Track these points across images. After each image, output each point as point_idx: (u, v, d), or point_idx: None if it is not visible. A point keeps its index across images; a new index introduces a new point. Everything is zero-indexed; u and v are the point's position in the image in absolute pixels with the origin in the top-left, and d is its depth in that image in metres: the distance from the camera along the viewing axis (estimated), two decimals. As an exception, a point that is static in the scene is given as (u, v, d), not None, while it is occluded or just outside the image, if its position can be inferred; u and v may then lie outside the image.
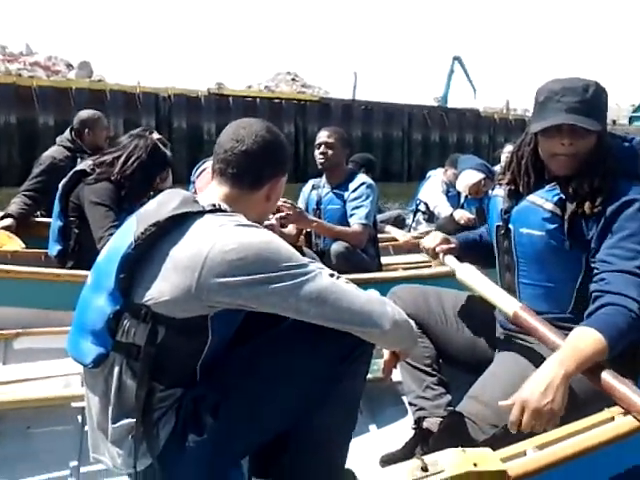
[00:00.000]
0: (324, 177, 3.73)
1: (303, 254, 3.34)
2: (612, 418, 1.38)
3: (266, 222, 3.15)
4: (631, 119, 25.76)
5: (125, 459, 1.38)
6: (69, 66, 22.26)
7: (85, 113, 4.40)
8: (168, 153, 3.30)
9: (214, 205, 1.41)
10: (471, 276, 1.93)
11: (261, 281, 1.30)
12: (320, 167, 3.63)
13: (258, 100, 18.95)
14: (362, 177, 3.68)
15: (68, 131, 4.38)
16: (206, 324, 1.36)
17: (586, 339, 1.48)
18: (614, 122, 25.20)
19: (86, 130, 4.26)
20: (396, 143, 21.35)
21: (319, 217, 3.65)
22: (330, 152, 3.54)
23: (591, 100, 1.70)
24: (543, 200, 1.78)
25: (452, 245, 2.13)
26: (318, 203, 3.72)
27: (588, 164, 1.72)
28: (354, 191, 3.57)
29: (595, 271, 1.66)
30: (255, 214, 1.51)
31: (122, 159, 3.07)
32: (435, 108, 24.47)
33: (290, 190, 3.84)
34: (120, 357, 1.36)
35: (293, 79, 26.90)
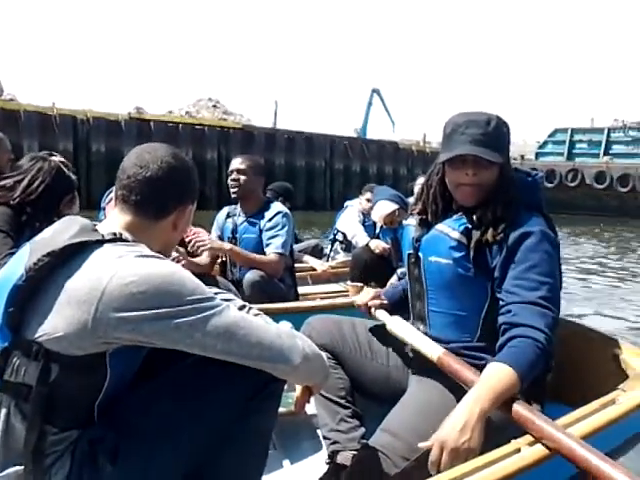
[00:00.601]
0: (239, 205, 3.68)
1: (217, 283, 3.30)
2: (518, 450, 1.39)
3: (173, 254, 3.07)
4: (537, 155, 27.26)
5: None
6: None
7: None
8: (73, 177, 3.15)
9: (115, 234, 1.33)
10: (399, 327, 1.99)
11: (164, 316, 1.24)
12: (234, 195, 3.58)
13: (180, 126, 18.81)
14: (278, 206, 3.65)
15: None
16: (104, 361, 1.27)
17: (499, 375, 1.51)
18: (522, 157, 26.51)
19: None
20: (318, 172, 21.69)
21: (235, 245, 3.58)
22: (243, 178, 3.51)
23: (493, 132, 1.77)
24: (450, 229, 1.82)
25: (383, 300, 2.21)
26: (234, 232, 3.65)
27: (491, 194, 1.79)
28: (270, 220, 3.54)
29: (501, 302, 1.70)
30: (160, 244, 1.44)
31: (24, 183, 2.89)
32: (356, 139, 25.10)
33: (211, 217, 3.77)
34: (8, 398, 1.25)
35: (214, 105, 26.85)
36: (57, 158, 3.06)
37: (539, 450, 1.38)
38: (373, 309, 2.18)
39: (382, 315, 2.12)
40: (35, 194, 2.87)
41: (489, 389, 1.48)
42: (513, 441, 1.43)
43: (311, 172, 21.42)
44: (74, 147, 16.53)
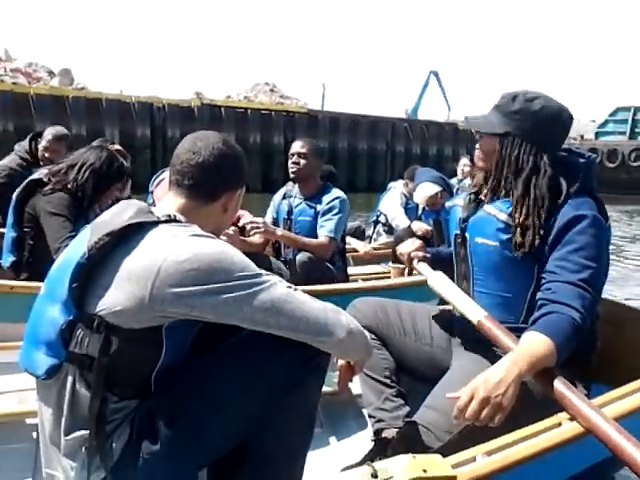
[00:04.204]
0: (296, 187, 3.75)
1: (270, 263, 3.40)
2: (559, 424, 1.41)
3: (228, 232, 3.18)
4: (597, 134, 26.31)
5: (78, 472, 1.36)
6: (50, 73, 21.96)
7: (56, 130, 4.33)
8: (126, 164, 3.29)
9: (169, 216, 1.41)
10: (441, 283, 1.97)
11: (215, 291, 1.31)
12: (292, 177, 3.66)
13: (249, 111, 19.06)
14: (337, 191, 3.71)
15: (27, 141, 4.32)
16: (161, 335, 1.35)
17: (537, 343, 1.53)
18: (582, 137, 25.68)
19: (48, 145, 4.21)
20: (380, 155, 21.70)
21: (289, 227, 3.67)
22: (303, 162, 3.57)
23: (509, 105, 1.82)
24: (497, 210, 1.82)
25: (427, 254, 2.18)
26: (289, 213, 3.72)
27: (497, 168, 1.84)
28: (327, 204, 3.60)
29: (543, 280, 1.71)
30: (211, 226, 1.51)
31: (76, 168, 3.05)
32: (416, 121, 24.69)
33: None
34: (73, 368, 1.34)
35: (272, 90, 26.94)
36: (114, 146, 3.21)
37: (579, 427, 1.40)
38: (415, 260, 2.15)
39: (424, 268, 2.09)
40: (83, 177, 3.02)
41: (527, 354, 1.50)
42: (556, 415, 1.44)
43: (373, 155, 21.45)
44: (151, 133, 17.03)
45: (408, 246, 2.19)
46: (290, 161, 3.63)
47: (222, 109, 18.52)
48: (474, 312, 1.78)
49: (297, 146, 3.63)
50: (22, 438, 1.99)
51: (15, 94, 15.30)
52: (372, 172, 20.92)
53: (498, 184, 1.86)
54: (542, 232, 1.72)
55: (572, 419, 1.42)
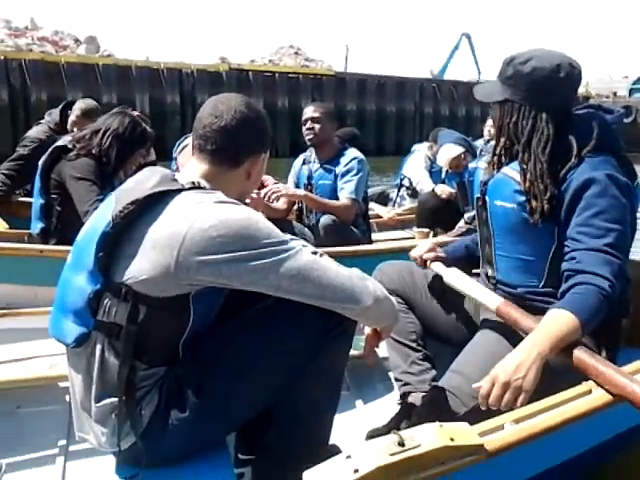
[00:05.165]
0: (313, 152, 3.72)
1: (293, 228, 3.40)
2: (589, 391, 1.39)
3: (253, 196, 3.18)
4: (631, 91, 25.55)
5: (109, 438, 1.39)
6: (77, 41, 22.17)
7: (85, 104, 4.30)
8: (148, 129, 3.28)
9: (193, 183, 1.40)
10: (457, 279, 1.98)
11: (241, 258, 1.30)
12: (309, 143, 3.63)
13: (277, 75, 19.00)
14: (353, 152, 3.67)
15: (58, 112, 4.31)
16: (187, 303, 1.36)
17: (559, 321, 1.49)
18: (614, 94, 25.04)
19: (77, 120, 4.19)
20: (408, 117, 21.44)
21: (310, 192, 3.65)
22: (317, 127, 3.54)
23: (516, 72, 1.77)
24: (515, 172, 1.78)
25: (440, 254, 2.17)
26: (309, 178, 3.72)
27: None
28: (345, 165, 3.58)
29: (566, 249, 1.66)
30: (235, 192, 1.50)
31: (100, 133, 3.06)
32: (444, 82, 24.13)
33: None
34: (102, 336, 1.36)
35: (296, 53, 26.69)
36: (135, 112, 3.22)
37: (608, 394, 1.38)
38: (429, 262, 2.14)
39: (438, 267, 2.09)
40: (107, 142, 3.03)
41: (548, 333, 1.47)
42: (584, 383, 1.43)
43: (401, 117, 21.24)
44: (180, 99, 17.10)
45: (420, 250, 2.19)
46: (304, 127, 3.59)
47: (250, 73, 18.53)
48: (491, 300, 1.78)
49: (309, 111, 3.58)
50: (56, 401, 2.04)
51: (46, 63, 15.41)
52: (400, 135, 20.72)
53: (502, 151, 1.84)
54: (551, 196, 1.67)
55: (601, 387, 1.40)
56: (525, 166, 1.73)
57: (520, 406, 1.39)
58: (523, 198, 1.73)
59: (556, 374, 1.49)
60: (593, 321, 1.52)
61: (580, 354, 1.46)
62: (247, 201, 1.66)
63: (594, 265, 1.56)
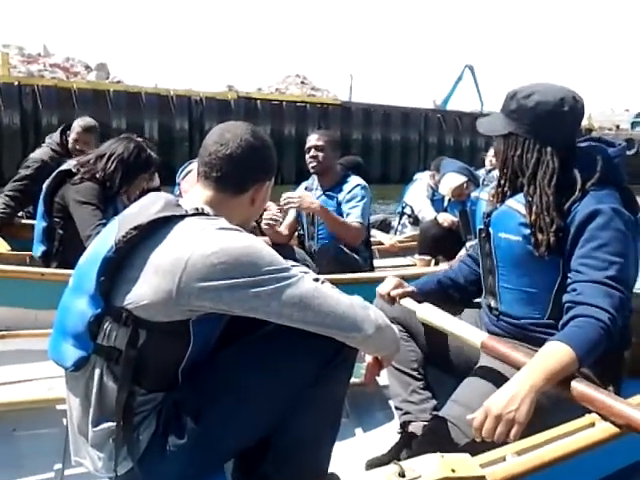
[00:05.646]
0: (316, 179, 3.72)
1: (294, 253, 3.39)
2: (592, 424, 1.38)
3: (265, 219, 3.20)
4: (633, 124, 25.75)
5: (106, 463, 1.38)
6: (87, 67, 22.62)
7: (84, 121, 4.36)
8: (153, 154, 3.31)
9: (197, 209, 1.41)
10: (431, 314, 1.91)
11: (242, 285, 1.30)
12: (312, 171, 3.63)
13: (284, 104, 19.23)
14: (356, 179, 3.67)
15: (58, 133, 4.36)
16: (188, 328, 1.35)
17: (556, 354, 1.47)
18: (617, 127, 25.29)
19: (78, 137, 4.23)
20: (412, 146, 21.69)
21: (312, 220, 3.65)
22: (321, 155, 3.54)
23: (515, 104, 1.79)
24: (520, 205, 1.78)
25: (408, 288, 2.11)
26: None
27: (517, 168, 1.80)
28: (349, 192, 3.58)
29: (568, 280, 1.66)
30: (239, 218, 1.50)
31: (104, 158, 3.09)
32: (449, 112, 24.43)
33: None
34: (101, 360, 1.35)
35: (302, 82, 27.05)
36: (140, 139, 3.25)
37: (614, 426, 1.36)
38: (397, 298, 2.07)
39: (408, 303, 2.02)
40: (112, 167, 3.06)
41: (543, 366, 1.44)
42: (587, 415, 1.41)
43: (406, 146, 21.46)
44: (189, 126, 17.27)
45: (386, 286, 2.12)
46: (307, 155, 3.59)
47: (257, 102, 18.77)
48: (474, 335, 1.74)
49: (313, 139, 3.59)
50: (52, 424, 2.03)
51: (58, 89, 15.60)
52: (405, 163, 20.88)
53: (506, 184, 1.84)
54: (557, 229, 1.66)
55: (605, 419, 1.38)
56: (531, 199, 1.73)
57: (514, 440, 1.36)
58: (528, 231, 1.73)
59: (547, 411, 1.47)
60: (591, 355, 1.49)
61: (580, 386, 1.44)
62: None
63: (595, 297, 1.55)
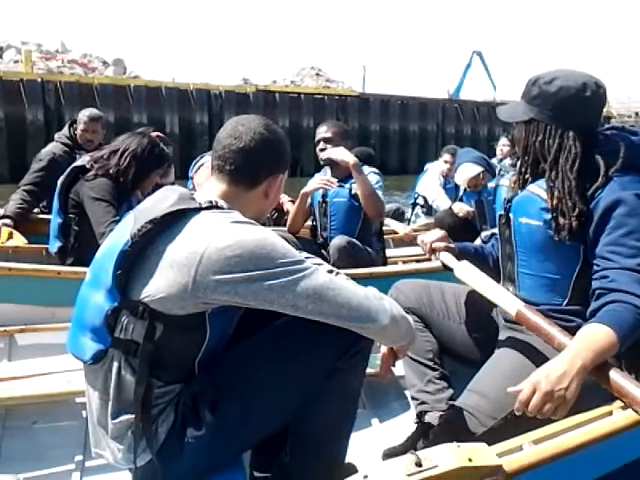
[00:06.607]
0: (329, 171, 3.69)
1: (312, 245, 3.38)
2: (610, 413, 1.37)
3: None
4: (655, 111, 25.56)
5: (125, 454, 1.39)
6: (104, 63, 22.79)
7: (89, 111, 4.43)
8: (167, 150, 3.32)
9: (211, 202, 1.41)
10: (470, 274, 1.91)
11: (257, 278, 1.30)
12: (322, 163, 3.60)
13: (302, 96, 19.22)
14: (367, 168, 3.63)
15: (67, 128, 4.41)
16: (204, 321, 1.36)
17: (598, 334, 1.46)
18: (637, 114, 25.12)
19: (86, 127, 4.30)
20: (430, 136, 21.60)
21: (325, 211, 3.63)
22: (329, 146, 3.50)
23: (536, 90, 1.78)
24: (541, 190, 1.77)
25: (451, 244, 2.13)
26: (324, 196, 3.67)
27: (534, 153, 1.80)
28: None
29: (595, 267, 1.64)
30: (253, 211, 1.51)
31: (118, 153, 3.10)
32: (467, 102, 24.26)
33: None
34: (119, 353, 1.36)
35: (317, 74, 26.98)
36: (155, 133, 3.25)
37: (632, 415, 1.36)
38: (437, 251, 2.09)
39: (448, 258, 2.03)
40: (125, 163, 3.07)
41: (589, 346, 1.43)
42: (605, 405, 1.41)
43: (423, 136, 21.41)
44: (209, 119, 17.31)
45: (430, 236, 2.13)
46: (317, 147, 3.57)
47: (276, 94, 18.80)
48: (510, 302, 1.73)
49: (322, 131, 3.56)
50: (72, 416, 2.05)
51: (80, 85, 15.72)
52: (422, 153, 20.66)
53: (527, 170, 1.83)
54: (579, 213, 1.65)
55: (624, 407, 1.37)
56: (552, 184, 1.72)
57: (559, 417, 1.36)
58: (549, 215, 1.72)
59: (585, 394, 1.46)
60: (630, 337, 1.48)
61: (611, 373, 1.42)
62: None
63: (629, 284, 1.54)
